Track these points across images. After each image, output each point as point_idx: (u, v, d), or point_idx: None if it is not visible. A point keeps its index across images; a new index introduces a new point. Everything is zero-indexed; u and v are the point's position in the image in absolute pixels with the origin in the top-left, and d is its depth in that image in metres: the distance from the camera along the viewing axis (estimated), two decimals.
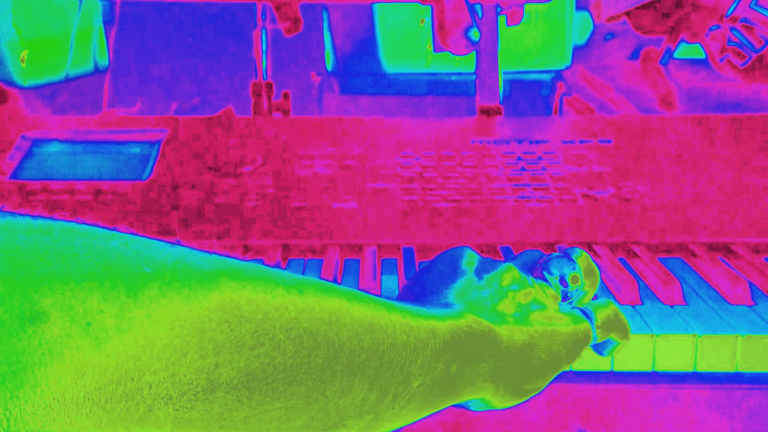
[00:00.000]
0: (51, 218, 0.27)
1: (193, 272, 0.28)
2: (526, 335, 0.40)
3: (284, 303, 0.29)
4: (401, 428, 0.35)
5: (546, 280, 0.43)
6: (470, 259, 0.44)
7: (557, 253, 0.44)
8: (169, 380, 0.25)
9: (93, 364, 0.23)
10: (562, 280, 0.43)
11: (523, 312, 0.41)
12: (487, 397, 0.39)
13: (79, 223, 0.28)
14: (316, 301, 0.31)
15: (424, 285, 0.43)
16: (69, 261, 0.25)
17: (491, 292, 0.41)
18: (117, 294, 0.25)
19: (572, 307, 0.44)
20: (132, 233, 0.29)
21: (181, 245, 0.29)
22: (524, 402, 0.42)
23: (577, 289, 0.44)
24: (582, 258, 0.44)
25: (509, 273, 0.43)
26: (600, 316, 0.43)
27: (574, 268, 0.43)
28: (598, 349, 0.45)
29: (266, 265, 0.31)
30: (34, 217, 0.27)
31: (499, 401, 0.40)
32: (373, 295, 0.35)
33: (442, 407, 0.37)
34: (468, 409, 0.41)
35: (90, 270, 0.25)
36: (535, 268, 0.44)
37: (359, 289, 0.35)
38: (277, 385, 0.28)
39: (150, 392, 0.24)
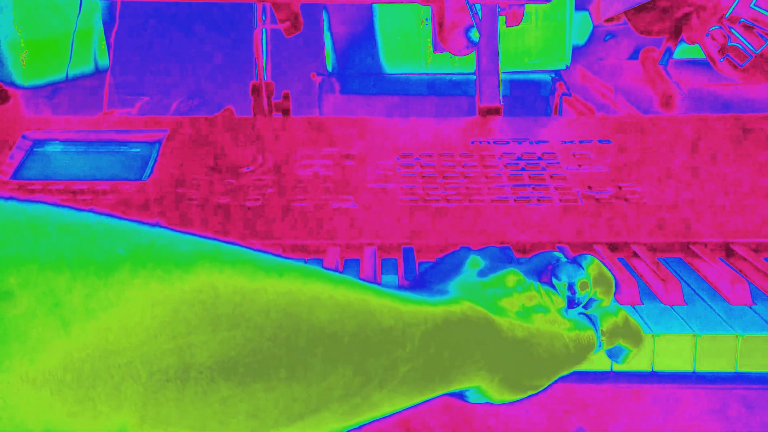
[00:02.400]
0: (24, 199, 0.27)
1: (170, 253, 0.28)
2: (526, 332, 0.40)
3: (263, 286, 0.29)
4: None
5: (553, 286, 0.43)
6: (475, 261, 0.44)
7: (567, 260, 0.44)
8: (138, 360, 0.25)
9: (59, 344, 0.23)
10: (570, 288, 0.43)
11: (526, 312, 0.41)
12: (483, 386, 0.39)
13: (53, 205, 0.28)
14: (297, 284, 0.31)
15: (426, 279, 0.43)
16: (39, 241, 0.25)
17: (495, 290, 0.41)
18: (86, 274, 0.25)
19: (579, 314, 0.44)
20: (109, 215, 0.28)
21: (161, 227, 0.29)
22: (523, 400, 0.42)
23: (585, 296, 0.43)
24: (592, 266, 0.43)
25: (514, 275, 0.43)
26: (605, 323, 0.43)
27: (583, 276, 0.43)
28: (612, 356, 0.45)
29: (248, 248, 0.31)
30: (5, 198, 0.26)
31: (496, 393, 0.40)
32: (363, 280, 0.35)
33: (437, 394, 0.37)
34: (465, 400, 0.41)
35: (60, 250, 0.25)
36: (544, 274, 0.44)
37: None
38: (255, 367, 0.28)
39: (118, 372, 0.24)
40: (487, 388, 0.40)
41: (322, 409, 0.31)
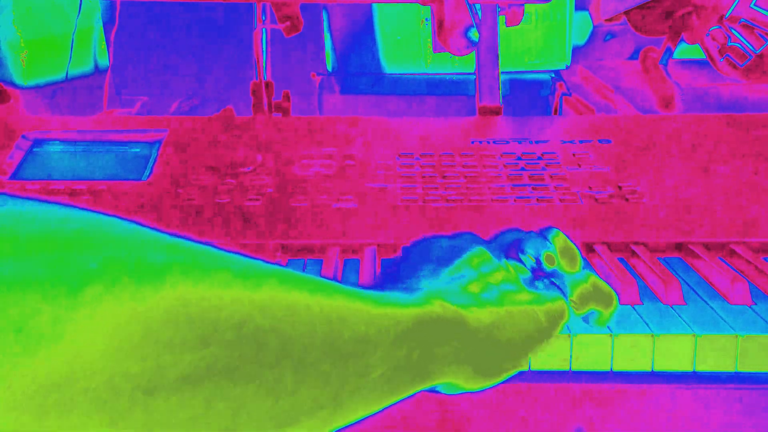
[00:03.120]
0: (2, 194, 0.26)
1: (144, 265, 0.27)
2: (494, 315, 0.40)
3: (239, 297, 0.29)
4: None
5: (521, 261, 0.43)
6: (440, 247, 0.44)
7: (533, 233, 0.44)
8: (106, 385, 0.24)
9: (22, 372, 0.22)
10: (537, 261, 0.43)
11: (493, 292, 0.41)
12: (453, 379, 0.39)
13: (37, 201, 0.27)
14: (273, 295, 0.30)
15: (398, 273, 0.43)
16: (7, 257, 0.24)
17: (461, 275, 0.41)
18: (56, 294, 0.24)
19: (547, 285, 0.44)
20: (91, 214, 0.28)
21: (142, 226, 0.28)
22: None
23: (553, 269, 0.43)
24: (558, 238, 0.44)
25: (478, 256, 0.43)
26: (575, 290, 0.43)
27: (549, 248, 0.43)
28: (586, 321, 0.45)
29: (228, 252, 0.30)
30: None
31: (469, 383, 0.40)
32: (339, 284, 0.34)
33: (409, 393, 0.37)
34: (438, 392, 0.41)
35: (31, 268, 0.24)
36: (511, 249, 0.44)
37: None
38: (225, 384, 0.27)
39: (85, 398, 0.24)
40: (458, 381, 0.39)
41: (294, 423, 0.31)
